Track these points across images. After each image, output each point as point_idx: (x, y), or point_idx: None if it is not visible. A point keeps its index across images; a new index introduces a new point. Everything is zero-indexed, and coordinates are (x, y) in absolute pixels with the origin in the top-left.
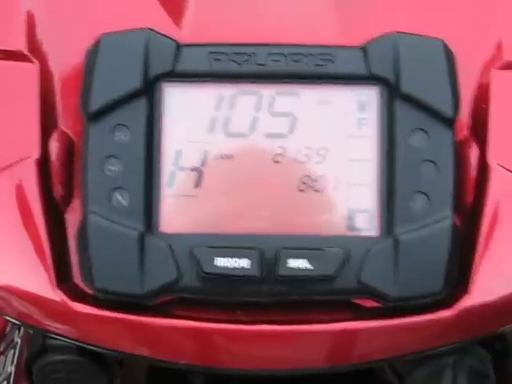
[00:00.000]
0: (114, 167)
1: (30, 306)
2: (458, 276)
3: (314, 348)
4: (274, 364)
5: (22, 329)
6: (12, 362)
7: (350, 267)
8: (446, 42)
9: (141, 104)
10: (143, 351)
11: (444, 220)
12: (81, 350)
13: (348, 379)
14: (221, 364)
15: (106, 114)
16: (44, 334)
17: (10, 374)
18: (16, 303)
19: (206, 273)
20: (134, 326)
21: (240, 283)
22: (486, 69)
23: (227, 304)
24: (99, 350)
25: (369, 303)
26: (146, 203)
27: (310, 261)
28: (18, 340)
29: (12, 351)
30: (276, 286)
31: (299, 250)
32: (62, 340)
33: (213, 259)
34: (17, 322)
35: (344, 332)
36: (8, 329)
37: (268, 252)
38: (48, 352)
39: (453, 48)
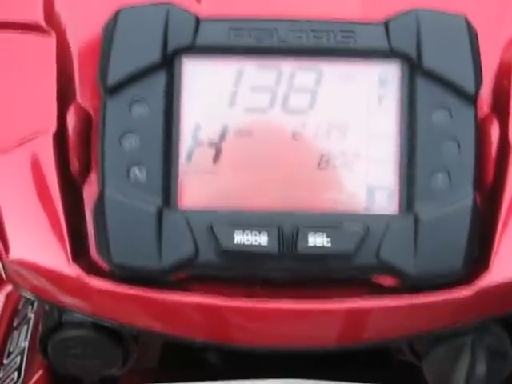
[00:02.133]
0: (131, 142)
1: (45, 280)
2: (477, 254)
3: (331, 325)
4: (292, 341)
5: (36, 304)
6: (26, 337)
7: (369, 244)
8: (469, 18)
9: (160, 78)
10: (159, 327)
11: (465, 198)
12: (97, 326)
13: (365, 358)
14: (237, 341)
15: (124, 87)
16: (60, 309)
17: (24, 349)
18: (31, 278)
19: (225, 249)
20: (151, 302)
21: (258, 260)
22: (509, 45)
23: (245, 280)
24: (115, 325)
25: (387, 281)
26: (164, 179)
27: (329, 237)
28: (31, 315)
29: (25, 326)
30: (294, 262)
31: (318, 227)
32: (77, 315)
33: (231, 235)
34: (32, 297)
35: (362, 310)
36: (21, 304)
37: (287, 228)
38: (64, 327)
39: (475, 24)
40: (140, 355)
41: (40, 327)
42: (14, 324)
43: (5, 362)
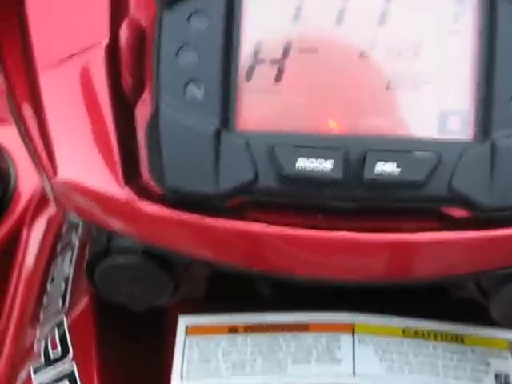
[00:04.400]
0: (189, 57)
1: (95, 204)
2: None
3: (398, 259)
4: (354, 274)
5: (81, 229)
6: (70, 263)
7: (441, 173)
8: None
9: None
10: (214, 256)
11: None
12: (147, 253)
13: (426, 294)
14: (296, 272)
15: None
16: (108, 234)
17: (68, 275)
18: (81, 200)
19: (286, 174)
20: (206, 229)
21: (322, 186)
22: None
23: (307, 208)
24: (166, 253)
25: (459, 213)
26: (222, 97)
27: (399, 164)
28: (75, 241)
29: (70, 252)
30: (361, 190)
31: (387, 153)
32: (127, 241)
33: (294, 159)
34: (80, 221)
35: (432, 243)
36: (64, 229)
37: (353, 153)
38: (112, 253)
39: None
40: (190, 285)
41: (87, 252)
42: (58, 249)
43: (48, 288)
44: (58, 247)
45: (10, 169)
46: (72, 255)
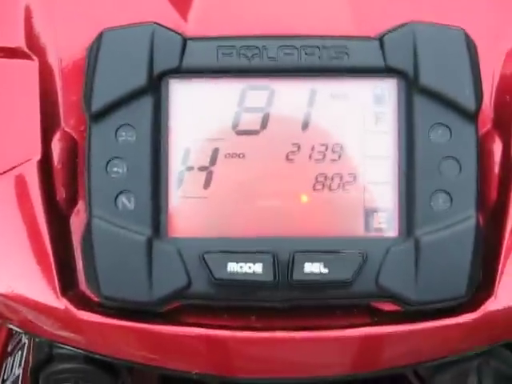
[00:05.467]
0: (118, 169)
1: (33, 314)
2: (481, 278)
3: (331, 355)
4: (290, 372)
5: None
6: (20, 364)
7: (368, 270)
8: (467, 30)
9: (146, 102)
10: (153, 361)
11: (467, 220)
12: (88, 358)
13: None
14: (235, 373)
15: (109, 113)
16: (49, 342)
17: (18, 376)
18: (19, 311)
19: (218, 279)
20: (143, 335)
21: (253, 289)
22: (508, 58)
23: (240, 310)
24: (107, 359)
25: (388, 306)
26: (153, 206)
27: (327, 264)
28: (25, 341)
29: (20, 353)
30: (291, 291)
31: (315, 253)
32: (69, 348)
33: (224, 264)
34: (20, 331)
35: (363, 338)
36: None
37: (282, 256)
38: (55, 360)
39: (474, 37)
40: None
41: (31, 359)
42: (9, 349)
43: None
44: (10, 347)
45: None
46: (22, 355)
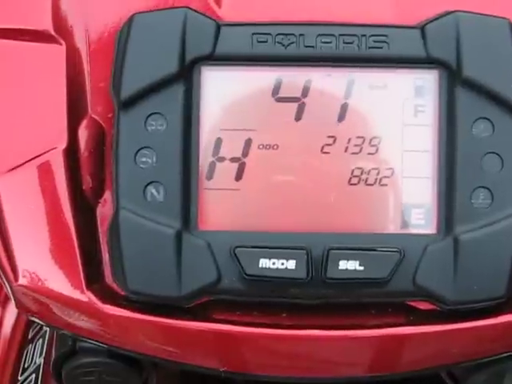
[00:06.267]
0: (148, 159)
1: (57, 307)
2: None
3: (365, 355)
4: (321, 371)
5: None
6: (41, 352)
7: (404, 268)
8: None
9: (177, 90)
10: (179, 357)
11: (508, 218)
12: (113, 352)
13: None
14: (263, 371)
15: (138, 101)
16: (73, 336)
17: (39, 366)
18: (43, 304)
19: (249, 275)
20: (170, 330)
21: (285, 286)
22: None
23: (271, 307)
24: (131, 354)
25: (424, 305)
26: (182, 198)
27: (362, 262)
28: (46, 328)
29: (41, 341)
30: (324, 288)
31: (350, 251)
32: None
33: (256, 260)
34: (44, 324)
35: (398, 338)
36: None
37: (316, 252)
38: (78, 354)
39: None
40: (160, 379)
41: (53, 351)
42: (29, 336)
43: (19, 378)
44: (30, 334)
45: None
46: (43, 344)
